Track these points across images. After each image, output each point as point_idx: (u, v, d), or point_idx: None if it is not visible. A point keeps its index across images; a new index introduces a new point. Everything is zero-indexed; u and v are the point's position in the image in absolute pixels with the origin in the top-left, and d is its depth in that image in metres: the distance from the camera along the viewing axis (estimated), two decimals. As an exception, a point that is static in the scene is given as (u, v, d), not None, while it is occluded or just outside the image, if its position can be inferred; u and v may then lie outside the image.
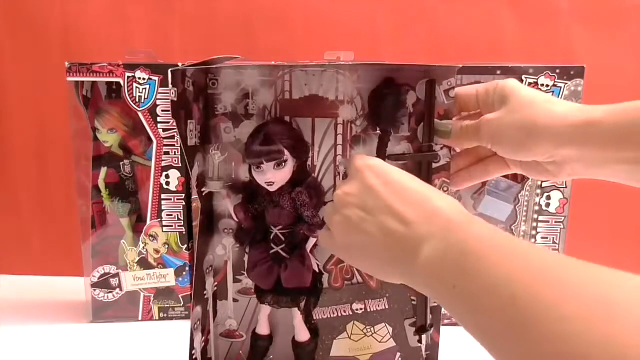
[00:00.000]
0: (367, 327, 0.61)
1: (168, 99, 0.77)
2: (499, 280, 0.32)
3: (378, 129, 0.55)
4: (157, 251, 0.83)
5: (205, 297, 0.59)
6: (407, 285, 0.42)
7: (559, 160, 0.47)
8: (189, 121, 0.53)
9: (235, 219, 0.58)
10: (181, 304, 0.84)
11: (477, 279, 0.33)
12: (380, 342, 0.61)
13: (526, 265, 0.32)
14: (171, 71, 0.50)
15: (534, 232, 0.79)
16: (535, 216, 0.79)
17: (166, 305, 0.84)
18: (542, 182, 0.77)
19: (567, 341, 0.26)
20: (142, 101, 0.78)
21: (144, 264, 0.83)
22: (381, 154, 0.54)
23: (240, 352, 0.63)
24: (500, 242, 0.35)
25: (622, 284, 0.28)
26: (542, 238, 0.79)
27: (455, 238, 0.37)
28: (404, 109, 0.54)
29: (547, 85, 0.74)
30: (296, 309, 0.60)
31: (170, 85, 0.49)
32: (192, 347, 0.57)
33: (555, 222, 0.79)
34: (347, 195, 0.45)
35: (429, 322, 0.58)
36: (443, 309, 0.60)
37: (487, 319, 0.32)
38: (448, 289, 0.36)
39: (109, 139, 0.81)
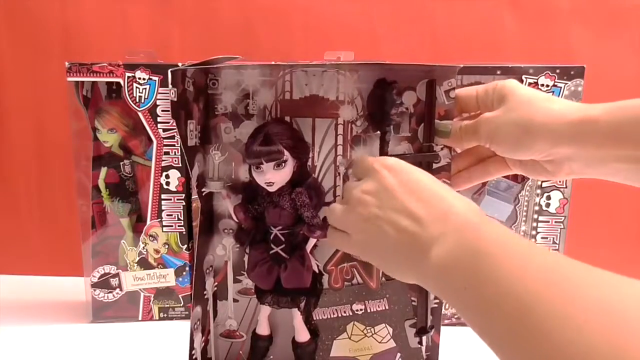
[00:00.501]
0: (367, 328, 0.61)
1: (168, 99, 0.77)
2: (513, 287, 0.31)
3: (377, 129, 0.55)
4: (157, 251, 0.82)
5: (205, 297, 0.59)
6: (421, 286, 0.42)
7: (557, 158, 0.47)
8: (189, 121, 0.53)
9: (235, 219, 0.58)
10: (181, 304, 0.84)
11: (490, 283, 0.33)
12: (380, 342, 0.61)
13: (541, 272, 0.31)
14: (171, 71, 0.49)
15: (534, 232, 0.79)
16: (535, 216, 0.79)
17: (166, 305, 0.84)
18: (542, 182, 0.77)
19: (579, 352, 0.26)
20: (142, 101, 0.78)
21: (144, 264, 0.83)
22: (383, 153, 0.54)
23: (240, 352, 0.62)
24: (514, 246, 0.34)
25: (636, 293, 0.28)
26: (542, 238, 0.79)
27: (467, 238, 0.37)
28: (394, 106, 0.54)
29: (547, 85, 0.74)
30: (296, 309, 0.60)
31: (170, 85, 0.49)
32: (192, 347, 0.57)
33: (555, 222, 0.79)
34: (364, 193, 0.45)
35: (429, 323, 0.58)
36: (443, 310, 0.60)
37: (498, 325, 0.32)
38: (458, 291, 0.36)
39: (109, 139, 0.81)
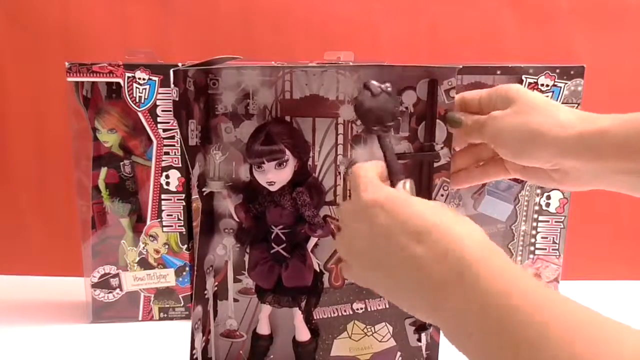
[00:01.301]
0: (368, 327, 0.61)
1: (168, 99, 0.77)
2: (524, 333, 0.29)
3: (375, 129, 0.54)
4: (157, 251, 0.82)
5: (206, 296, 0.59)
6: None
7: (563, 168, 0.47)
8: (189, 121, 0.53)
9: (236, 219, 0.58)
10: (181, 304, 0.84)
11: (497, 330, 0.31)
12: (380, 341, 0.61)
13: (560, 319, 0.29)
14: (173, 71, 0.50)
15: (534, 232, 0.79)
16: (535, 216, 0.79)
17: (166, 306, 0.84)
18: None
19: None
20: (142, 101, 0.78)
21: (144, 264, 0.83)
22: (388, 154, 0.52)
23: (241, 351, 0.63)
24: (521, 285, 0.32)
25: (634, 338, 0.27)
26: (542, 238, 0.79)
27: (473, 278, 0.33)
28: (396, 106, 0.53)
29: (547, 85, 0.74)
30: (297, 308, 0.60)
31: (172, 85, 0.50)
32: (192, 347, 0.57)
33: (555, 222, 0.79)
34: (357, 232, 0.41)
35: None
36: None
37: None
38: (465, 338, 0.34)
39: (109, 139, 0.81)
